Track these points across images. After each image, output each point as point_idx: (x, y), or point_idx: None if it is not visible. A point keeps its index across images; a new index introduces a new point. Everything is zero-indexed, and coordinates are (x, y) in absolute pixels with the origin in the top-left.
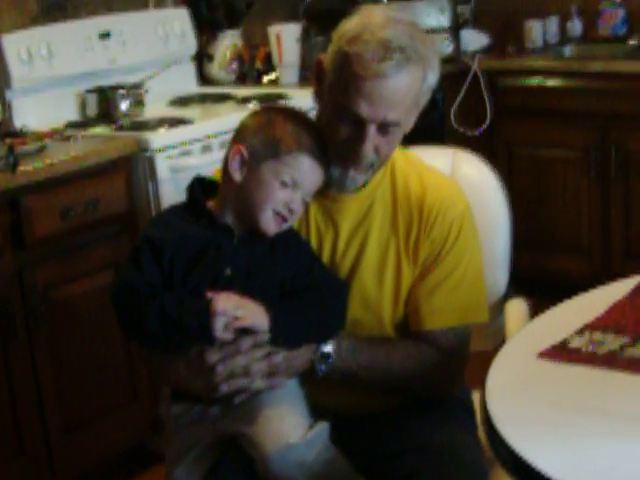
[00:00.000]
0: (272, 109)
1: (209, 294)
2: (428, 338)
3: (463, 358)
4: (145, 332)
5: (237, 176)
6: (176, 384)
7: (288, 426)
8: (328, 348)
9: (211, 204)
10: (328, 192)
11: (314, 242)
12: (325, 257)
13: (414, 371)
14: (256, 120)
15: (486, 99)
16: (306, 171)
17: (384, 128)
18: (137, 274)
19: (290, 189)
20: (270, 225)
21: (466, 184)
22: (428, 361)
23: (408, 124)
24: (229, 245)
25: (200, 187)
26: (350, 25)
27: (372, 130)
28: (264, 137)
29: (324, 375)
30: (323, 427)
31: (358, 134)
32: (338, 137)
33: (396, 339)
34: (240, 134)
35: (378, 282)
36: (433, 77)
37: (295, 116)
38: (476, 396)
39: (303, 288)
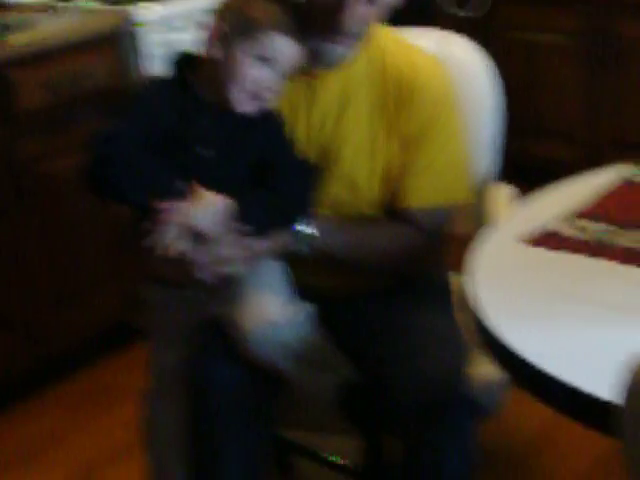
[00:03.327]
0: None
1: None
2: (409, 217)
3: (441, 236)
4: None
5: (213, 53)
6: (157, 271)
7: (270, 305)
8: (308, 229)
9: (193, 79)
10: (310, 68)
11: (292, 118)
12: (302, 133)
13: (394, 249)
14: None
15: None
16: (279, 48)
17: None
18: (124, 125)
19: (265, 67)
20: (244, 102)
21: (455, 67)
22: (408, 239)
23: None
24: (205, 122)
25: (185, 62)
26: None
27: None
28: (239, 15)
29: (302, 254)
30: (306, 308)
31: (345, 2)
32: (324, 7)
33: (377, 219)
34: (218, 12)
35: (360, 160)
36: None
37: None
38: (455, 278)
39: (270, 167)
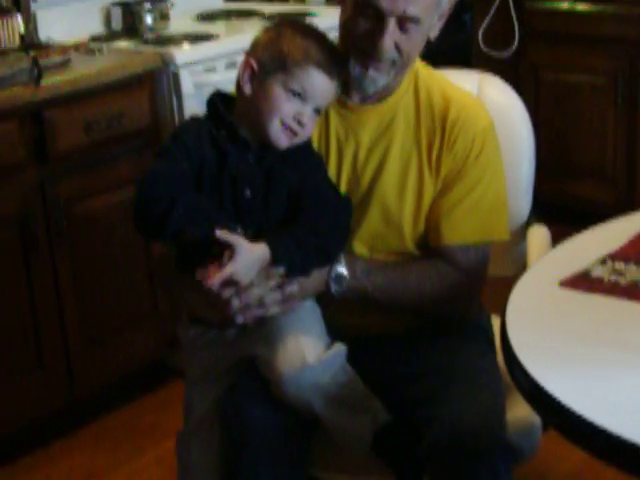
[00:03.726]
0: (282, 24)
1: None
2: (446, 254)
3: (481, 277)
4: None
5: (247, 89)
6: (192, 313)
7: (304, 347)
8: (342, 269)
9: (230, 118)
10: (349, 103)
11: (334, 153)
12: (345, 169)
13: (431, 290)
14: (266, 35)
15: (514, 22)
16: (314, 82)
17: (404, 24)
18: (171, 164)
19: (299, 101)
20: (280, 137)
21: (492, 108)
22: (445, 279)
23: (429, 26)
24: (246, 162)
25: (221, 101)
26: None
27: (392, 24)
28: (273, 51)
29: (339, 296)
30: (340, 348)
31: (378, 28)
32: (358, 33)
33: (413, 258)
34: (251, 49)
35: (399, 195)
36: None
37: (304, 30)
38: (496, 321)
39: (306, 203)
